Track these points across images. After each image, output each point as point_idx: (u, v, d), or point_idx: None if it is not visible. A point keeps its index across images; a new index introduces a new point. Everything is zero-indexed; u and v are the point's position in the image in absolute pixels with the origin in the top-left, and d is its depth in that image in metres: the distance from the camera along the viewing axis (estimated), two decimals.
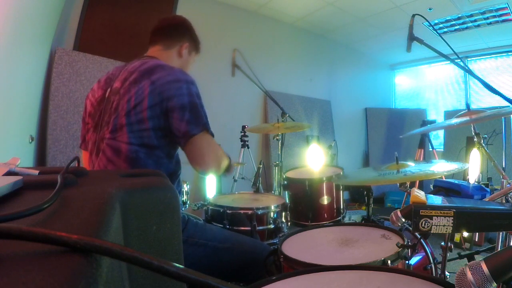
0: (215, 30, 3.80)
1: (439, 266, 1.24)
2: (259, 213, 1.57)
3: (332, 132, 4.90)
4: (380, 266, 0.84)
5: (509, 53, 4.73)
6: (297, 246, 1.07)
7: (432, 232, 0.59)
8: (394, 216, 0.67)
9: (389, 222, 1.00)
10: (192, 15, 3.90)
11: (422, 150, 3.72)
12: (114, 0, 3.06)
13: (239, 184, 3.30)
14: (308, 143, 4.23)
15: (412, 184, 3.08)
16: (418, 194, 0.63)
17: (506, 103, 1.37)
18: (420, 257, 1.27)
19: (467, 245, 2.75)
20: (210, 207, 1.65)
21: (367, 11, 4.01)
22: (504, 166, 2.74)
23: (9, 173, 0.56)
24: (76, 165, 0.73)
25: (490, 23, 4.09)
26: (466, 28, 4.26)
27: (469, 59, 5.02)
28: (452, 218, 0.58)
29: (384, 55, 5.65)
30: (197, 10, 3.64)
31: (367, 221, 1.50)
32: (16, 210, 0.31)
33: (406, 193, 2.22)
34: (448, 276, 1.25)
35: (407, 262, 0.97)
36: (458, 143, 4.40)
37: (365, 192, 1.55)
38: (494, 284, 0.44)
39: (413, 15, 1.47)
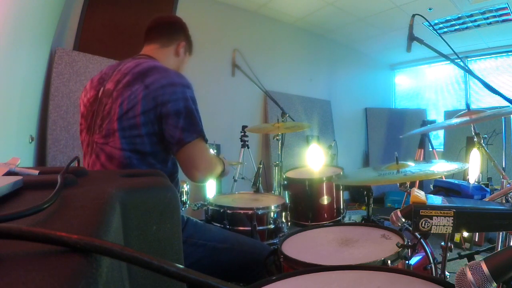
0: (215, 30, 3.80)
1: (439, 266, 1.24)
2: (259, 213, 1.57)
3: (332, 132, 4.90)
4: (380, 266, 0.84)
5: (509, 53, 4.73)
6: (297, 246, 1.07)
7: (432, 232, 0.59)
8: (394, 216, 0.68)
9: (389, 222, 1.00)
10: (192, 15, 3.91)
11: (422, 150, 3.72)
12: (114, 0, 3.06)
13: (239, 184, 3.31)
14: (308, 143, 4.23)
15: (412, 184, 3.08)
16: (418, 194, 0.63)
17: (506, 103, 1.37)
18: (420, 257, 1.27)
19: (467, 245, 2.75)
20: (210, 207, 1.65)
21: (367, 11, 4.01)
22: (504, 166, 2.75)
23: (9, 173, 0.56)
24: (76, 165, 0.73)
25: (490, 23, 4.09)
26: (466, 28, 4.26)
27: (469, 59, 5.02)
28: (452, 218, 0.58)
29: (384, 55, 5.65)
30: (197, 10, 3.64)
31: (367, 221, 1.50)
32: (16, 210, 0.31)
33: (406, 193, 2.22)
34: (448, 276, 1.25)
35: (407, 262, 0.97)
36: (458, 143, 4.40)
37: (365, 192, 1.55)
38: (494, 284, 0.44)
39: (413, 15, 1.47)
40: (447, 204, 0.60)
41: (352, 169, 2.04)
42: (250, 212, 1.56)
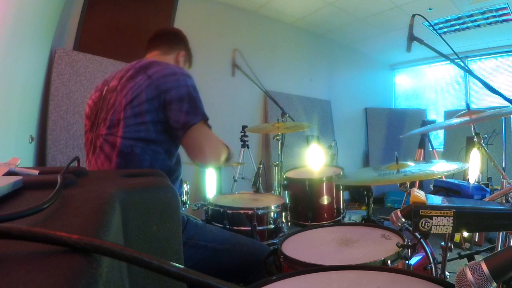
0: (215, 30, 3.80)
1: (439, 266, 1.24)
2: (259, 213, 1.57)
3: (332, 132, 4.90)
4: (380, 266, 0.84)
5: (509, 53, 4.73)
6: (297, 246, 1.07)
7: (432, 232, 0.59)
8: (394, 216, 0.68)
9: (389, 222, 1.00)
10: (192, 15, 3.91)
11: (422, 150, 3.72)
12: (114, 0, 3.06)
13: (239, 184, 3.30)
14: (308, 143, 4.23)
15: (412, 184, 3.08)
16: (418, 194, 0.63)
17: (506, 103, 1.37)
18: (420, 257, 1.27)
19: (467, 245, 2.75)
20: (210, 207, 1.65)
21: (367, 11, 4.01)
22: (504, 166, 2.74)
23: (9, 173, 0.56)
24: (76, 165, 0.73)
25: (490, 23, 4.09)
26: (466, 28, 4.27)
27: (469, 59, 5.03)
28: (452, 218, 0.58)
29: (384, 55, 5.65)
30: (197, 10, 3.64)
31: (367, 221, 1.50)
32: (16, 210, 0.31)
33: (406, 193, 2.22)
34: (448, 276, 1.25)
35: (407, 262, 0.97)
36: (458, 143, 4.40)
37: (365, 192, 1.55)
38: (494, 284, 0.44)
39: (413, 15, 1.47)
40: (447, 204, 0.60)
41: (352, 169, 2.04)
42: (250, 212, 1.56)
